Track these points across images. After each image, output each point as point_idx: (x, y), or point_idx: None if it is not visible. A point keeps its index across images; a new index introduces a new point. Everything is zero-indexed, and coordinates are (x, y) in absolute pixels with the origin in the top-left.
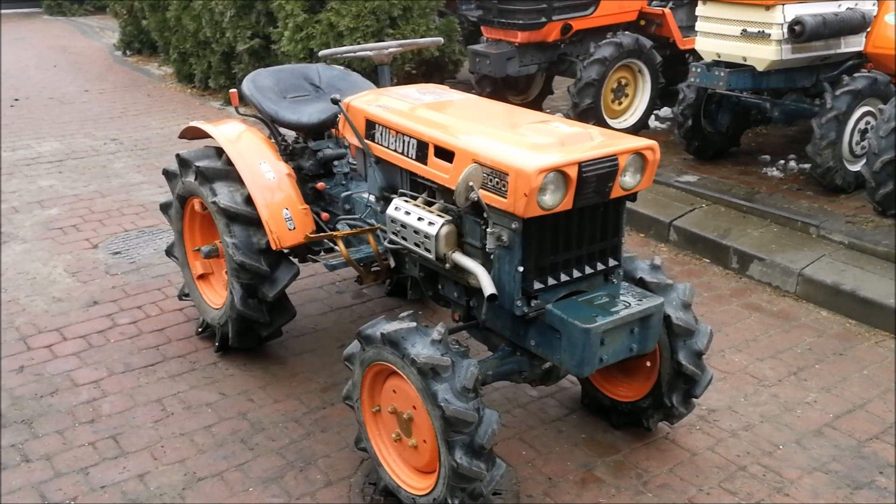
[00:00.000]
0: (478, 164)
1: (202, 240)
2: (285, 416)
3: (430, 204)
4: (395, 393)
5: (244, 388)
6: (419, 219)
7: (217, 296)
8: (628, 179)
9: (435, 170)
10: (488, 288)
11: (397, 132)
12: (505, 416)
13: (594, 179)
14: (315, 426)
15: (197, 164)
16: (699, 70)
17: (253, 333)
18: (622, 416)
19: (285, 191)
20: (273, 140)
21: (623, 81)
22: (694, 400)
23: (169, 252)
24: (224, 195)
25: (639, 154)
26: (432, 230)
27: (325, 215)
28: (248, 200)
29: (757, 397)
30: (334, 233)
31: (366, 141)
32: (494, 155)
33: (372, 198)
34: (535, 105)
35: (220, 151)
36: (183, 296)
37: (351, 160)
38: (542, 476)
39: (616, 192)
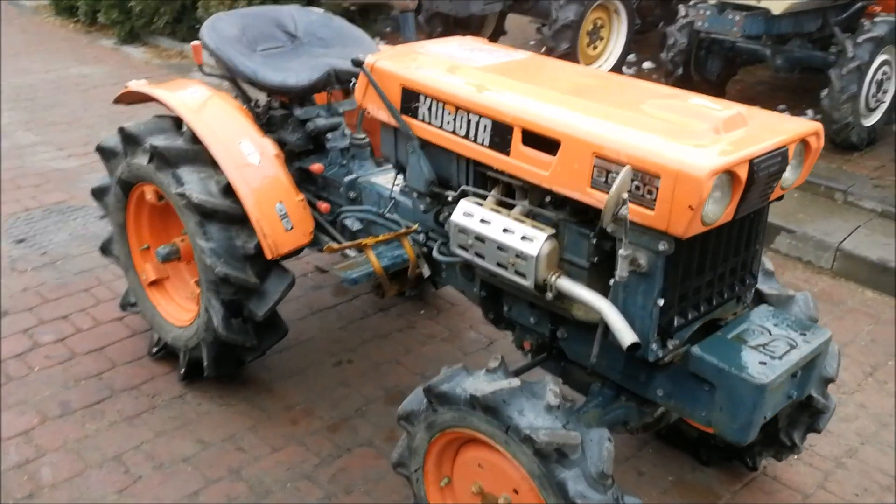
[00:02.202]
0: (630, 165)
1: (153, 236)
2: (292, 472)
3: (505, 205)
4: (480, 468)
5: (228, 431)
6: (505, 230)
7: (179, 308)
8: (789, 175)
9: (525, 164)
10: (628, 336)
11: (458, 107)
12: None
13: (764, 180)
14: (335, 485)
15: (153, 142)
16: (708, 13)
17: (233, 357)
18: (715, 452)
19: (275, 177)
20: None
21: (598, 23)
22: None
23: (106, 250)
24: (194, 185)
25: (802, 141)
26: (530, 249)
27: (324, 206)
28: (227, 191)
29: (843, 409)
30: (364, 240)
31: (404, 118)
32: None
33: (409, 192)
34: None
35: (178, 123)
36: (128, 305)
37: (346, 131)
38: None
39: (774, 194)
